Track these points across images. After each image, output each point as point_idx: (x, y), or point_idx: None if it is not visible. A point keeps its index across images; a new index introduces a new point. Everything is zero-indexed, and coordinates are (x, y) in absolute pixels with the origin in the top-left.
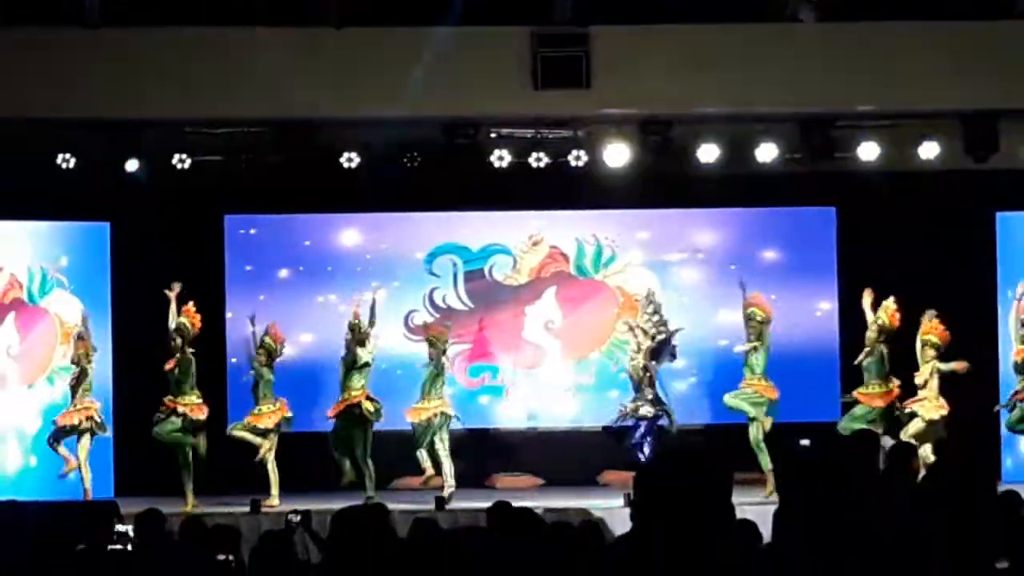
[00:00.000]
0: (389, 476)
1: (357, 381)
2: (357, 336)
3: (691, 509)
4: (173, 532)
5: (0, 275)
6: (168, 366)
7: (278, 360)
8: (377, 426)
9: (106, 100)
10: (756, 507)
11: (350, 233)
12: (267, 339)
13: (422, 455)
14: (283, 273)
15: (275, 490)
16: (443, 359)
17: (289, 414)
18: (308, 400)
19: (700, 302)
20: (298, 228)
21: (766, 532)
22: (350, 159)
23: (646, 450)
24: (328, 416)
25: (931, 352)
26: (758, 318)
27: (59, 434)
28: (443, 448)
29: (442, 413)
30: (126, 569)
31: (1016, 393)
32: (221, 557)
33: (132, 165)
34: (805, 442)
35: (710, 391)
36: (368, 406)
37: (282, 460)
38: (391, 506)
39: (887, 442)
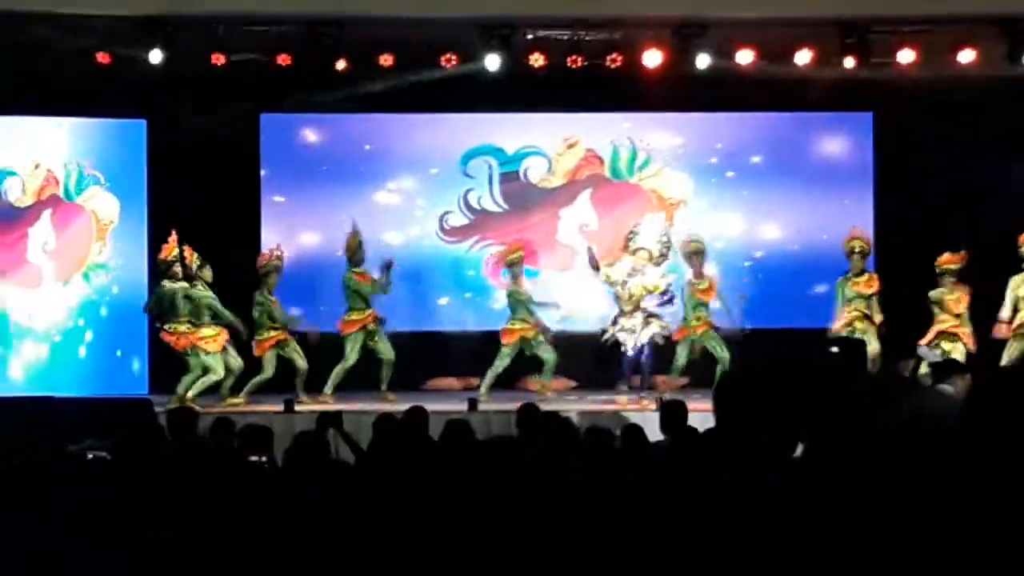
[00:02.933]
0: (423, 377)
1: None
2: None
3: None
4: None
5: (37, 172)
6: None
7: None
8: (412, 326)
9: None
10: None
11: (385, 133)
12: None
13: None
14: (317, 174)
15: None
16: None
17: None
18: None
19: (736, 209)
20: (334, 128)
21: None
22: (386, 58)
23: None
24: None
25: (951, 279)
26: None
27: None
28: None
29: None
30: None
31: None
32: (254, 458)
33: (158, 56)
34: (835, 349)
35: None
36: None
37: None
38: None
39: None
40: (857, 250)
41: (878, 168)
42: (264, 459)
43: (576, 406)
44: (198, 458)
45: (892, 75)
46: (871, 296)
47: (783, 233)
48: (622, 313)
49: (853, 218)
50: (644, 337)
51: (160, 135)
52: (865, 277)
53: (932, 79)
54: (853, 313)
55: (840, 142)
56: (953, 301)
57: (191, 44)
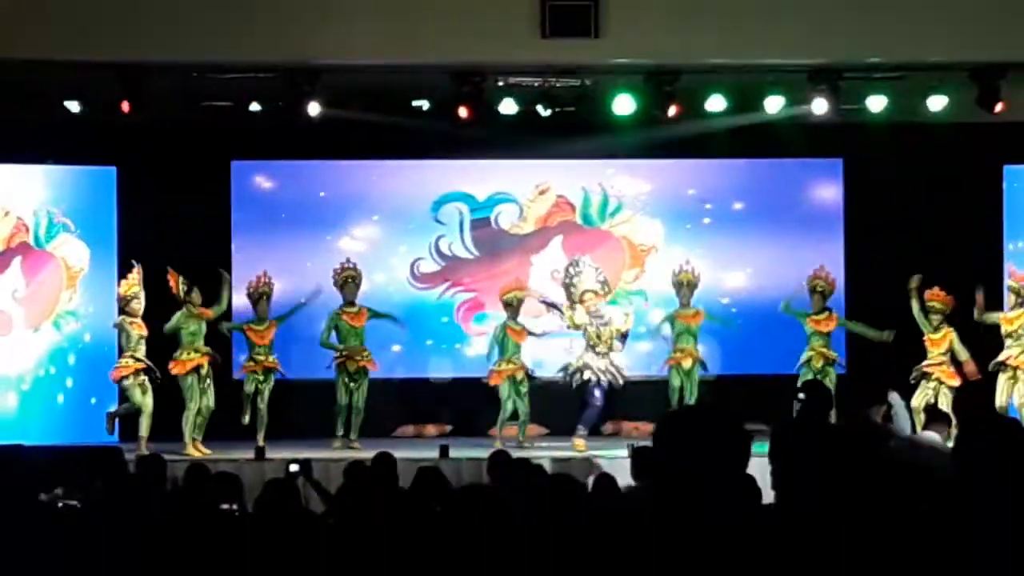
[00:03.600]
0: (392, 424)
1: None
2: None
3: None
4: (176, 479)
5: (7, 219)
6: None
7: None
8: (381, 374)
9: (114, 43)
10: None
11: (356, 180)
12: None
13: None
14: (289, 219)
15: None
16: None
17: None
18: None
19: (708, 255)
20: (306, 174)
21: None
22: (357, 106)
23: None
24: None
25: (937, 318)
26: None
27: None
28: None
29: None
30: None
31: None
32: (224, 506)
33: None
34: (801, 396)
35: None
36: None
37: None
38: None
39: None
40: (818, 289)
41: (849, 213)
42: (235, 507)
43: (547, 453)
44: (169, 506)
45: (863, 121)
46: (829, 334)
47: (755, 279)
48: (594, 354)
49: (824, 262)
50: (604, 380)
51: (130, 182)
52: (825, 315)
53: (903, 125)
54: (811, 352)
55: (811, 188)
56: (937, 340)
57: (163, 91)
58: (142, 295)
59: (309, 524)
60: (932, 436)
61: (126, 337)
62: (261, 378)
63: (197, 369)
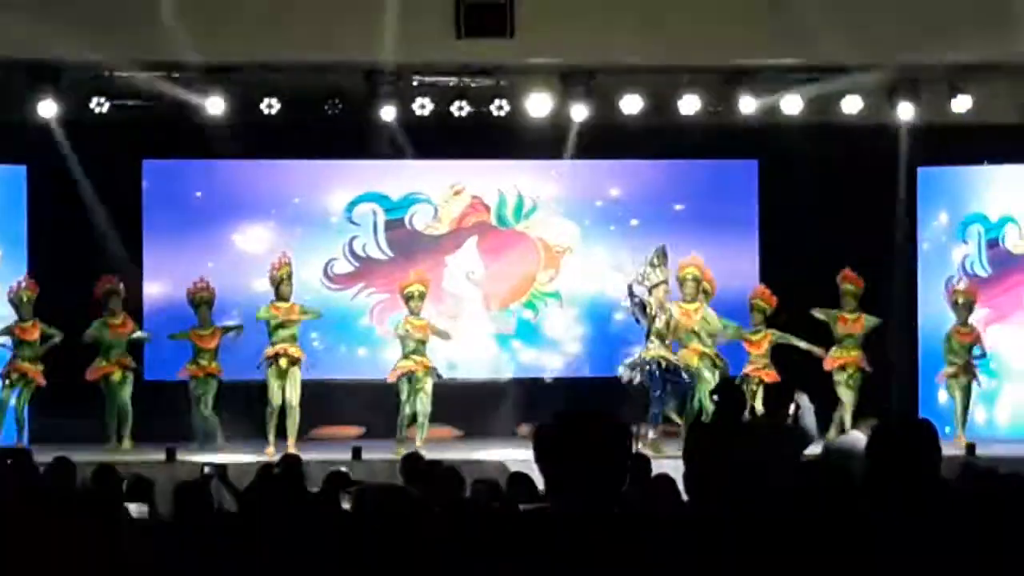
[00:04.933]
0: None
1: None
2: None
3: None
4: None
5: None
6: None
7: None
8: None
9: (24, 41)
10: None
11: (269, 180)
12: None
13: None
14: (201, 219)
15: None
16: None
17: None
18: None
19: (619, 255)
20: (218, 174)
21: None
22: (270, 105)
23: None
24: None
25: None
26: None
27: None
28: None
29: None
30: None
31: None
32: (134, 507)
33: (48, 108)
34: (715, 397)
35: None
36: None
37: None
38: (308, 456)
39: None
40: (756, 308)
41: (763, 214)
42: (146, 509)
43: (461, 455)
44: (79, 508)
45: (778, 123)
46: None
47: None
48: (664, 347)
49: (739, 265)
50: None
51: (40, 181)
52: (760, 335)
53: (818, 126)
54: (751, 367)
55: (727, 189)
56: (852, 321)
57: (74, 89)
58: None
59: (218, 525)
60: (858, 436)
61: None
62: (204, 383)
63: (108, 376)
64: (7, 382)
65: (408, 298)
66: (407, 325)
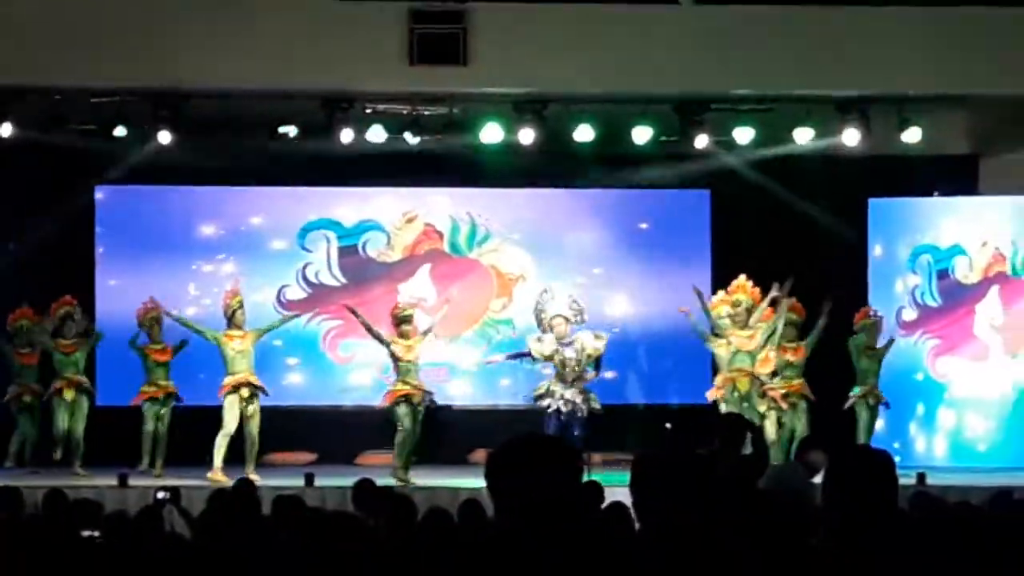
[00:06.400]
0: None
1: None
2: None
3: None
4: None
5: None
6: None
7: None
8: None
9: None
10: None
11: (223, 206)
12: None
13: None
14: (154, 245)
15: None
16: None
17: None
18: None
19: (581, 285)
20: (171, 200)
21: None
22: (225, 131)
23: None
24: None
25: (794, 331)
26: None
27: None
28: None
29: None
30: None
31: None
32: (86, 533)
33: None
34: (668, 426)
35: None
36: None
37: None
38: (262, 481)
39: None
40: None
41: (715, 243)
42: (96, 534)
43: (415, 481)
44: (28, 532)
45: (730, 152)
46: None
47: (634, 306)
48: (563, 384)
49: (690, 294)
50: (582, 409)
51: None
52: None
53: (769, 158)
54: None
55: (678, 218)
56: (791, 350)
57: (26, 114)
58: None
59: (170, 550)
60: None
61: None
62: (162, 403)
63: (60, 392)
64: None
65: (400, 322)
66: (394, 350)
